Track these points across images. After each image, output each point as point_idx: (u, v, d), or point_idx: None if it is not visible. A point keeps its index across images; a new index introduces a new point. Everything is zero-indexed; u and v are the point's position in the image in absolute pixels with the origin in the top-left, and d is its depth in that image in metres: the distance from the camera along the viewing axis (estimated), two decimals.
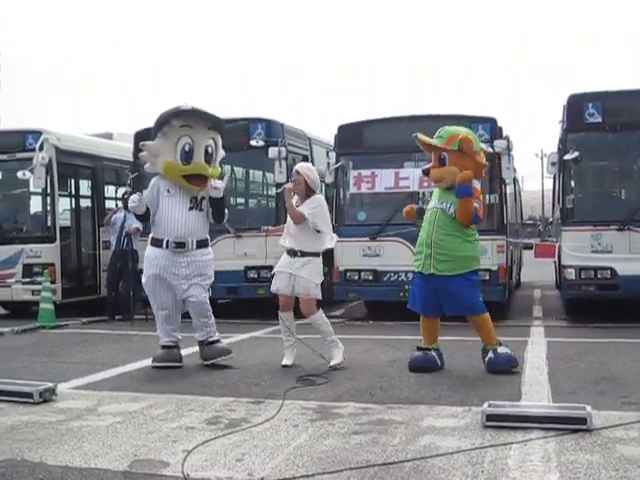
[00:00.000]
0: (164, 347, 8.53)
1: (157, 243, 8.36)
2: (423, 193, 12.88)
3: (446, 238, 7.71)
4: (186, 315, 8.65)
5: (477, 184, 7.91)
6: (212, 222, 8.68)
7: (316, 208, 8.02)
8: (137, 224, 13.49)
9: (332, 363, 7.98)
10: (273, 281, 8.22)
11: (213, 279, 8.70)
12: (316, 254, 8.09)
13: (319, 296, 8.15)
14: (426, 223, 7.90)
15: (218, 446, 5.08)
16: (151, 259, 8.40)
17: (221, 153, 8.77)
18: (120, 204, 14.80)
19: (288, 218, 8.15)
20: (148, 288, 8.51)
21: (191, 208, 8.37)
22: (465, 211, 7.63)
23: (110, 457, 4.88)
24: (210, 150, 8.48)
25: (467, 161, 7.81)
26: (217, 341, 8.58)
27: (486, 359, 7.75)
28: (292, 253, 8.02)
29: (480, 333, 7.84)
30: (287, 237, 8.14)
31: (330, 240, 8.18)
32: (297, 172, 8.12)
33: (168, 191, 8.34)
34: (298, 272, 7.96)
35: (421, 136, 8.02)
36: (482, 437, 5.15)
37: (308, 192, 8.05)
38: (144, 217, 8.50)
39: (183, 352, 8.63)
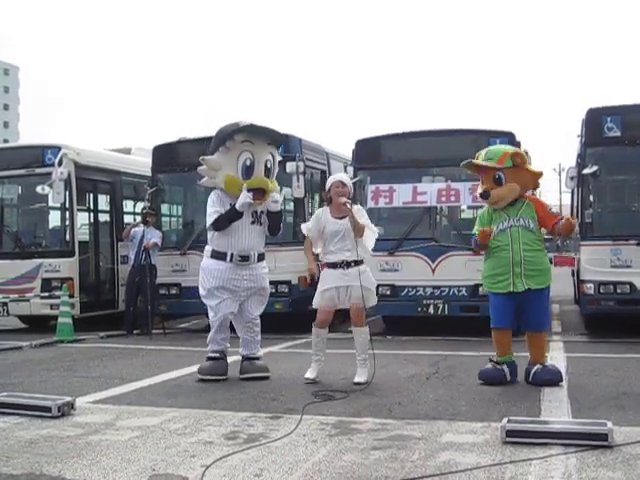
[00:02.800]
0: (210, 359, 8.61)
1: (220, 256, 8.46)
2: (441, 208, 12.88)
3: (534, 254, 7.79)
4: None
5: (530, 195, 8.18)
6: (269, 235, 8.84)
7: (365, 216, 8.20)
8: (156, 239, 13.55)
9: (356, 380, 7.93)
10: (320, 297, 8.12)
11: (269, 294, 8.93)
12: (363, 262, 8.13)
13: (375, 301, 8.32)
14: (508, 242, 7.82)
15: (236, 461, 5.07)
16: (213, 271, 8.48)
17: (277, 168, 8.93)
18: (138, 219, 14.83)
19: (332, 235, 8.08)
20: (208, 300, 8.57)
21: (253, 222, 8.51)
22: (569, 228, 7.97)
23: (128, 472, 4.88)
24: (269, 165, 8.64)
25: (523, 174, 7.93)
26: (258, 358, 8.73)
27: (532, 371, 7.76)
28: (345, 265, 7.98)
29: (534, 351, 7.90)
30: (331, 252, 8.10)
31: (373, 238, 8.23)
32: (343, 184, 8.16)
33: (230, 205, 8.42)
34: (354, 282, 7.93)
35: (476, 161, 8.05)
36: (502, 453, 5.11)
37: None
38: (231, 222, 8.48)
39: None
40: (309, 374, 8.10)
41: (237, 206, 8.24)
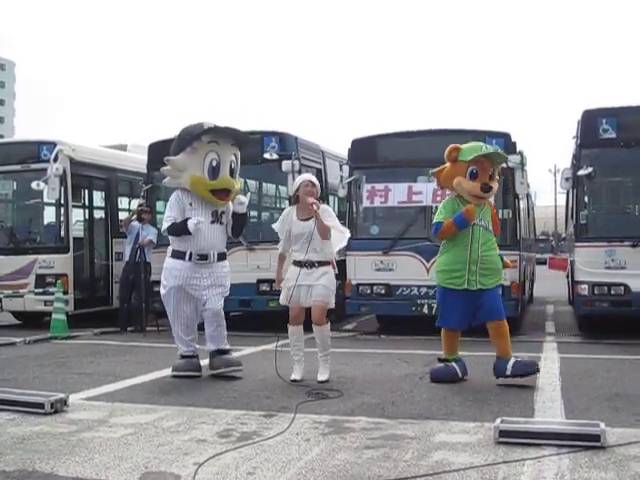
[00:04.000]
0: (183, 357, 8.67)
1: (179, 255, 8.52)
2: (436, 207, 12.86)
3: (490, 253, 7.94)
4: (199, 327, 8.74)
5: None
6: (230, 236, 8.87)
7: (332, 216, 8.14)
8: (151, 236, 13.53)
9: (319, 378, 7.97)
10: (286, 294, 8.16)
11: (229, 291, 8.83)
12: (329, 262, 8.13)
13: (332, 304, 8.18)
14: (467, 240, 7.89)
15: (229, 459, 5.07)
16: (173, 271, 8.54)
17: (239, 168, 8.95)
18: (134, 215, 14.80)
19: (297, 237, 8.09)
20: (167, 299, 8.63)
21: (213, 222, 8.56)
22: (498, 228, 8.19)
23: (121, 469, 4.87)
24: (233, 165, 8.68)
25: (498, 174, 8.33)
26: (227, 352, 8.71)
27: (510, 363, 7.76)
28: (309, 264, 7.98)
29: (501, 342, 7.89)
30: (297, 250, 8.09)
31: (342, 239, 8.19)
32: (313, 184, 8.15)
33: (190, 205, 8.51)
34: (317, 281, 7.95)
35: (500, 152, 8.34)
36: (495, 453, 5.12)
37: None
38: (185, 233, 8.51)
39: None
40: (294, 375, 8.10)
41: (189, 227, 8.25)
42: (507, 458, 4.99)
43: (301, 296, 8.03)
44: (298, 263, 8.07)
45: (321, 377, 8.00)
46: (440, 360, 8.14)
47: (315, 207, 7.86)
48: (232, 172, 8.66)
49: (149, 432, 5.86)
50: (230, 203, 8.69)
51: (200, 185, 8.46)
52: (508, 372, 7.74)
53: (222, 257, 8.67)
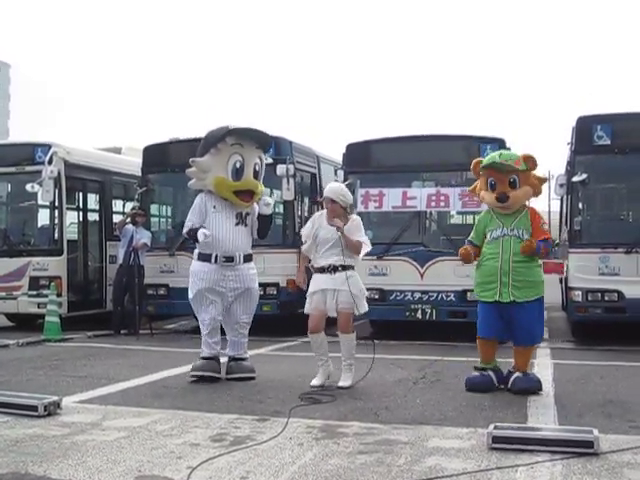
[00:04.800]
0: (204, 358, 8.66)
1: (206, 258, 8.55)
2: (430, 213, 12.87)
3: (523, 265, 7.73)
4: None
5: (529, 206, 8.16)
6: (256, 237, 8.89)
7: (360, 229, 8.10)
8: (145, 239, 13.53)
9: (340, 384, 7.93)
10: (311, 302, 8.06)
11: (258, 293, 8.97)
12: (353, 267, 8.08)
13: (366, 308, 8.16)
14: (498, 251, 7.79)
15: (222, 463, 5.06)
16: (199, 274, 8.57)
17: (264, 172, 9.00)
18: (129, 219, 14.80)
19: (323, 243, 8.05)
20: (196, 302, 8.65)
21: (237, 224, 8.61)
22: (546, 251, 7.95)
23: (114, 472, 4.87)
24: (257, 168, 8.74)
25: (532, 179, 7.98)
26: (244, 359, 8.80)
27: (513, 377, 7.75)
28: (332, 269, 7.94)
29: (522, 360, 7.88)
30: (320, 257, 8.06)
31: (364, 250, 8.13)
32: (333, 201, 8.02)
33: (214, 207, 8.56)
34: (342, 286, 7.88)
35: (498, 161, 7.90)
36: (488, 459, 5.12)
37: (344, 213, 8.05)
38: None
39: (186, 368, 8.73)
40: (315, 381, 8.04)
41: (198, 238, 8.34)
42: (500, 464, 4.99)
43: (327, 302, 7.96)
44: (321, 269, 8.01)
45: (343, 383, 7.95)
46: (476, 368, 8.04)
47: (338, 230, 7.87)
48: (256, 174, 8.71)
49: (142, 435, 5.86)
50: (255, 205, 8.73)
51: (224, 186, 8.51)
52: (509, 386, 7.76)
53: (248, 259, 8.70)
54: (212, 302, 8.53)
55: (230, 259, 8.52)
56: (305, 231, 8.31)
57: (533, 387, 7.69)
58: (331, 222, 7.91)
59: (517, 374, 7.76)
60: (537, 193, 8.20)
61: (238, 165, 8.52)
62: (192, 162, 8.67)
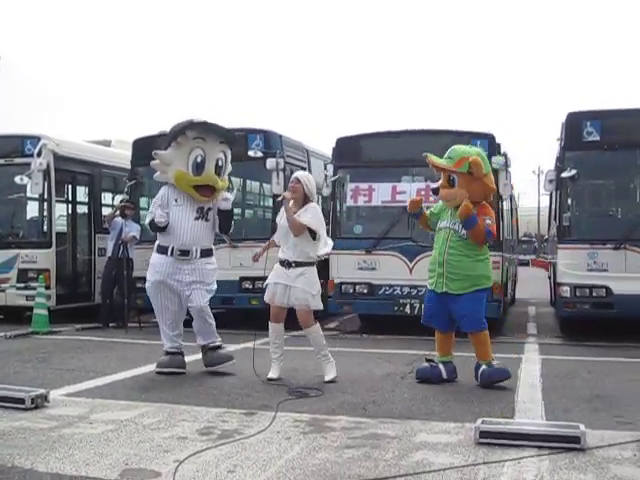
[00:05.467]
0: (168, 353, 8.65)
1: (162, 250, 8.58)
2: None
3: (458, 258, 7.83)
4: (188, 324, 8.79)
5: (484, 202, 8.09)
6: (219, 232, 8.91)
7: (314, 216, 8.01)
8: (134, 232, 13.51)
9: (326, 379, 7.96)
10: (266, 292, 8.20)
11: (215, 287, 8.83)
12: (311, 264, 8.06)
13: (319, 306, 8.17)
14: (438, 243, 8.01)
15: (210, 457, 5.06)
16: (156, 266, 8.61)
17: (229, 167, 8.96)
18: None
19: (281, 230, 8.12)
20: (151, 294, 8.68)
21: (197, 218, 8.58)
22: (477, 236, 7.80)
23: (101, 465, 4.86)
24: (220, 163, 8.72)
25: (476, 184, 7.92)
26: (219, 347, 8.78)
27: (479, 371, 7.80)
28: (286, 264, 7.97)
29: (478, 348, 7.92)
30: (281, 248, 8.11)
31: (325, 246, 8.12)
32: (297, 180, 8.11)
33: (176, 201, 8.57)
34: (294, 283, 7.92)
35: (431, 157, 8.07)
36: (475, 454, 5.13)
37: (305, 200, 8.06)
38: (162, 227, 8.58)
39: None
40: (271, 374, 8.10)
41: (155, 219, 8.43)
42: (487, 459, 5.01)
43: (277, 294, 8.03)
44: (280, 261, 8.07)
45: (327, 377, 8.00)
46: (427, 360, 8.15)
47: (281, 197, 7.98)
48: (219, 170, 8.69)
49: (129, 429, 5.85)
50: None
51: (183, 180, 8.51)
52: (478, 382, 7.83)
53: (206, 254, 8.66)
54: (168, 295, 8.56)
55: (185, 252, 8.51)
56: (277, 219, 8.39)
57: (499, 377, 7.75)
58: (283, 193, 7.99)
59: (483, 367, 7.82)
60: (481, 199, 8.02)
61: (199, 159, 8.54)
62: (154, 154, 8.72)
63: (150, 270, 8.69)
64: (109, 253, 14.03)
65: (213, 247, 8.89)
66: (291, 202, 7.97)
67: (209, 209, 8.67)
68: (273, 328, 8.19)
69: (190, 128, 8.50)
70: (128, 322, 13.45)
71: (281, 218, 8.16)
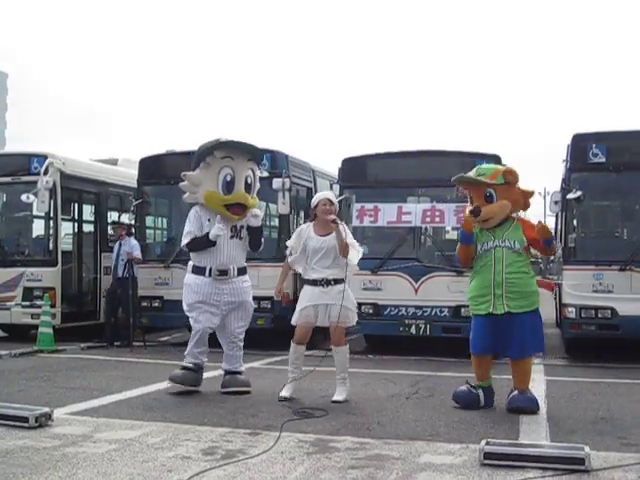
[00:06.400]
0: (184, 368, 8.63)
1: (199, 271, 8.56)
2: (425, 228, 12.89)
3: (518, 276, 7.68)
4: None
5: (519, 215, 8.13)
6: (250, 250, 8.87)
7: (350, 234, 8.18)
8: (137, 251, 13.56)
9: (335, 398, 7.93)
10: (301, 315, 8.09)
11: (253, 306, 8.97)
12: (344, 280, 8.07)
13: (354, 322, 8.24)
14: (488, 264, 7.76)
15: (213, 477, 5.05)
16: (193, 286, 8.58)
17: (258, 184, 8.99)
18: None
19: (315, 251, 8.08)
20: (192, 314, 8.61)
21: (232, 237, 8.60)
22: (550, 250, 8.03)
23: None
24: (249, 180, 8.75)
25: (515, 192, 7.87)
26: (241, 373, 8.79)
27: (510, 396, 7.71)
28: (325, 283, 7.96)
29: (519, 377, 7.77)
30: (312, 269, 8.08)
31: (358, 253, 8.15)
32: (331, 201, 8.16)
33: (209, 220, 8.54)
34: (336, 301, 7.88)
35: (466, 175, 7.97)
36: (479, 475, 5.12)
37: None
38: (214, 243, 8.50)
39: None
40: (284, 392, 8.07)
41: (210, 236, 8.35)
42: None
43: (319, 316, 8.00)
44: (313, 282, 8.03)
45: (337, 397, 7.96)
46: (467, 383, 7.95)
47: (334, 225, 7.92)
48: (248, 187, 8.72)
49: (133, 448, 5.84)
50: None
51: (214, 200, 8.52)
52: (506, 404, 7.71)
53: (242, 272, 8.70)
54: (205, 312, 8.51)
55: (224, 272, 8.51)
56: (291, 242, 8.36)
57: (528, 407, 7.57)
58: (328, 217, 7.98)
59: (514, 392, 7.70)
60: (521, 206, 8.06)
61: (229, 178, 8.54)
62: (184, 176, 8.72)
63: (187, 292, 8.62)
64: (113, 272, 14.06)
65: (245, 265, 8.85)
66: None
67: (242, 227, 8.68)
68: (295, 349, 8.14)
69: (218, 148, 8.53)
70: (133, 341, 13.43)
71: (308, 240, 8.12)
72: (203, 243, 8.46)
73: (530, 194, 8.14)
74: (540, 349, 7.93)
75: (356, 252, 8.12)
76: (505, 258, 7.69)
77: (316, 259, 8.03)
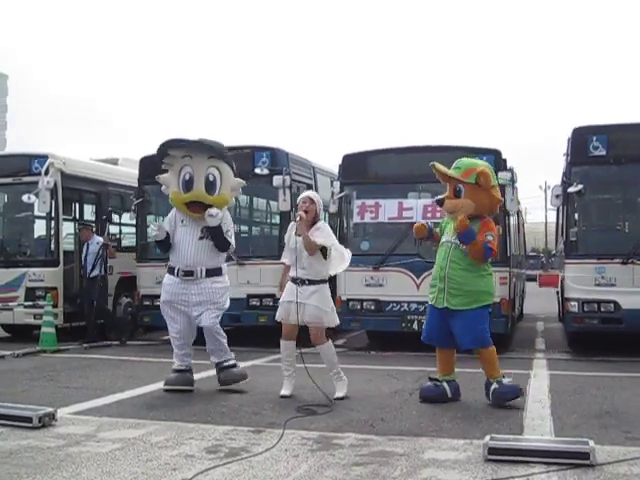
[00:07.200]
0: (176, 371, 8.65)
1: (170, 271, 8.66)
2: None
3: (459, 273, 7.71)
4: (198, 342, 8.80)
5: (489, 218, 8.00)
6: (217, 250, 8.73)
7: (327, 235, 8.05)
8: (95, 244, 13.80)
9: (336, 396, 7.94)
10: (279, 310, 8.19)
11: (226, 306, 8.81)
12: (323, 281, 8.06)
13: (335, 322, 8.18)
14: (440, 257, 7.92)
15: (217, 475, 5.05)
16: (165, 286, 8.70)
17: (235, 181, 8.92)
18: (124, 230, 14.84)
19: (290, 250, 8.11)
20: (163, 313, 8.76)
21: (201, 237, 8.56)
22: (476, 252, 7.67)
23: None
24: (212, 178, 8.63)
25: (482, 196, 7.83)
26: (234, 365, 8.74)
27: (490, 390, 7.70)
28: (300, 282, 7.96)
29: (485, 366, 7.80)
30: (293, 266, 8.08)
31: (342, 259, 8.10)
32: (311, 200, 8.12)
33: (182, 221, 8.62)
34: (307, 300, 7.90)
35: (438, 165, 8.03)
36: (483, 471, 5.11)
37: (314, 219, 8.08)
38: (164, 244, 8.64)
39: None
40: (284, 391, 8.10)
41: (149, 232, 8.40)
42: (496, 476, 4.99)
43: (291, 313, 8.00)
44: (293, 280, 8.05)
45: (338, 394, 7.98)
46: (430, 379, 8.04)
47: (298, 218, 7.93)
48: (210, 185, 8.60)
49: (137, 447, 5.84)
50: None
51: (177, 200, 8.64)
52: (489, 401, 7.70)
53: (213, 273, 8.60)
54: (175, 315, 8.61)
55: (189, 273, 8.51)
56: (285, 237, 8.42)
57: (509, 395, 7.60)
58: (297, 213, 8.03)
59: (494, 385, 7.67)
60: (487, 210, 7.99)
61: (187, 177, 8.58)
62: (157, 179, 8.94)
63: (162, 290, 8.75)
64: (97, 272, 14.08)
65: (224, 265, 8.83)
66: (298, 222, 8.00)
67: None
68: (285, 346, 8.18)
69: (169, 146, 8.61)
70: (127, 340, 13.77)
71: (290, 238, 8.16)
72: (159, 244, 8.67)
73: (497, 201, 8.15)
74: (473, 346, 7.82)
75: (339, 255, 8.08)
76: (452, 254, 7.78)
77: (294, 258, 8.04)
